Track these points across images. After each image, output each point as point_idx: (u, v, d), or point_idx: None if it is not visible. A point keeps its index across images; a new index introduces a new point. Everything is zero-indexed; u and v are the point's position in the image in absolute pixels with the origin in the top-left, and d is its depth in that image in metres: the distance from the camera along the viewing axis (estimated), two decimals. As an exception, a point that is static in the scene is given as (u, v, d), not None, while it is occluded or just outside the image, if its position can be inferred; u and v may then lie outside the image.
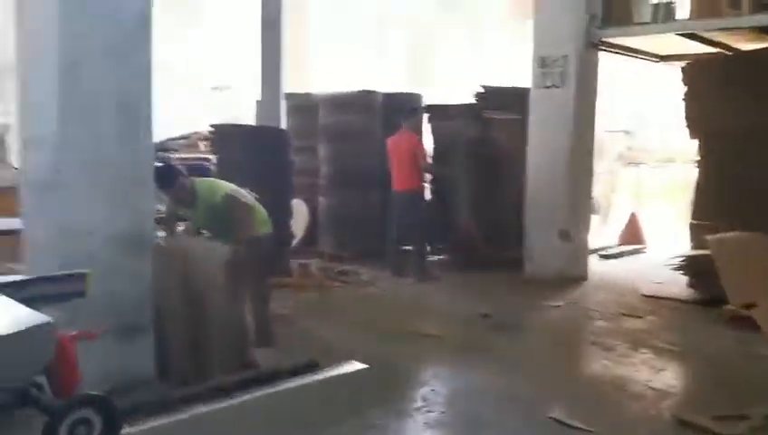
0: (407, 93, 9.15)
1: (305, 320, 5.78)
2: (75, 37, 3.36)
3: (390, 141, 7.56)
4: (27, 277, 2.41)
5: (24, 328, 1.11)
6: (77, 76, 3.36)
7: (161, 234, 4.80)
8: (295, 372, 3.77)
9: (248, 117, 10.71)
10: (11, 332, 1.09)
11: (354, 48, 14.52)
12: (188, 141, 11.57)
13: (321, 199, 8.68)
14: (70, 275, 2.44)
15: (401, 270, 7.51)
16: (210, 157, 8.46)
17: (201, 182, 4.79)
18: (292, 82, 10.21)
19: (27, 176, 3.61)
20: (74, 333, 1.35)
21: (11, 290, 2.07)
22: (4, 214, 5.07)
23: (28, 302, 1.95)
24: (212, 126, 8.12)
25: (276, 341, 4.92)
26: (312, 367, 3.85)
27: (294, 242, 8.02)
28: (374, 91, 8.66)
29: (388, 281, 7.36)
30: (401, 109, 7.98)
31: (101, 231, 3.43)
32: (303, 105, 9.20)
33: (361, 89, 8.61)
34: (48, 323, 1.15)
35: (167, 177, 4.46)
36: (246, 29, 11.61)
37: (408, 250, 7.66)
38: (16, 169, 6.08)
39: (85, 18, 3.37)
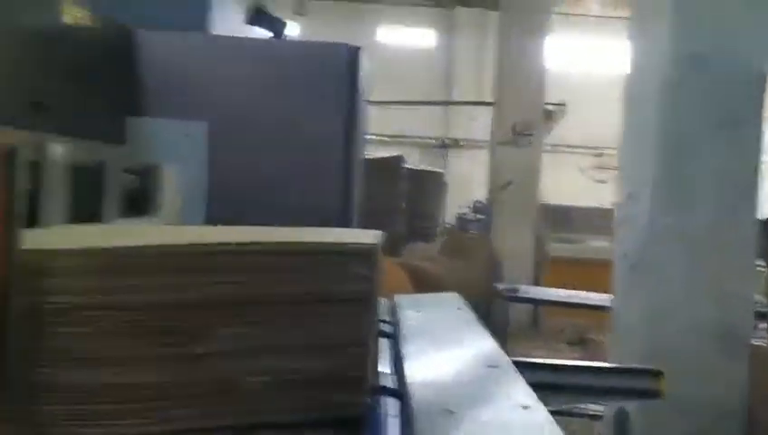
0: None
1: None
2: (676, 111, 3.17)
3: None
4: (603, 365, 2.30)
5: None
6: (676, 155, 3.16)
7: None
8: None
9: None
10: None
11: None
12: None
13: None
14: (645, 371, 2.21)
15: None
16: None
17: None
18: None
19: (619, 253, 3.55)
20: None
21: (583, 376, 1.99)
22: (600, 289, 5.18)
23: (600, 393, 1.85)
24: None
25: None
26: None
27: None
28: None
29: None
30: None
31: (686, 320, 3.10)
32: None
33: None
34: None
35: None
36: None
37: None
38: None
39: (691, 90, 3.16)
